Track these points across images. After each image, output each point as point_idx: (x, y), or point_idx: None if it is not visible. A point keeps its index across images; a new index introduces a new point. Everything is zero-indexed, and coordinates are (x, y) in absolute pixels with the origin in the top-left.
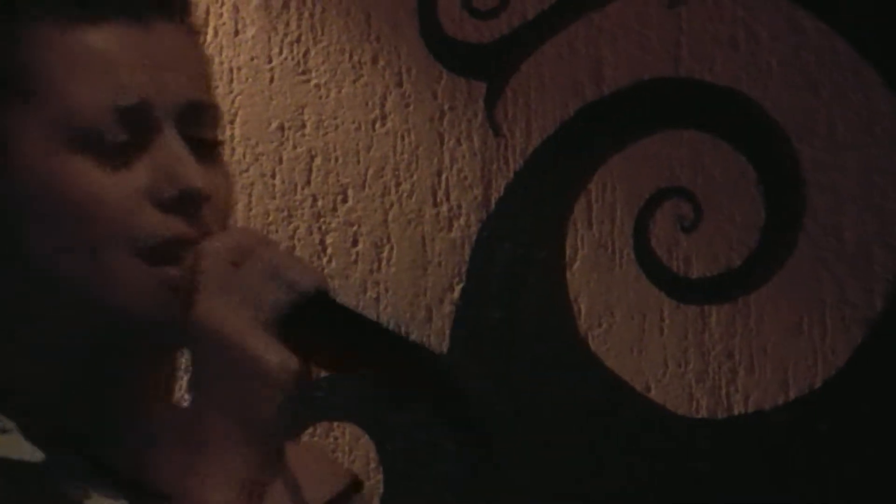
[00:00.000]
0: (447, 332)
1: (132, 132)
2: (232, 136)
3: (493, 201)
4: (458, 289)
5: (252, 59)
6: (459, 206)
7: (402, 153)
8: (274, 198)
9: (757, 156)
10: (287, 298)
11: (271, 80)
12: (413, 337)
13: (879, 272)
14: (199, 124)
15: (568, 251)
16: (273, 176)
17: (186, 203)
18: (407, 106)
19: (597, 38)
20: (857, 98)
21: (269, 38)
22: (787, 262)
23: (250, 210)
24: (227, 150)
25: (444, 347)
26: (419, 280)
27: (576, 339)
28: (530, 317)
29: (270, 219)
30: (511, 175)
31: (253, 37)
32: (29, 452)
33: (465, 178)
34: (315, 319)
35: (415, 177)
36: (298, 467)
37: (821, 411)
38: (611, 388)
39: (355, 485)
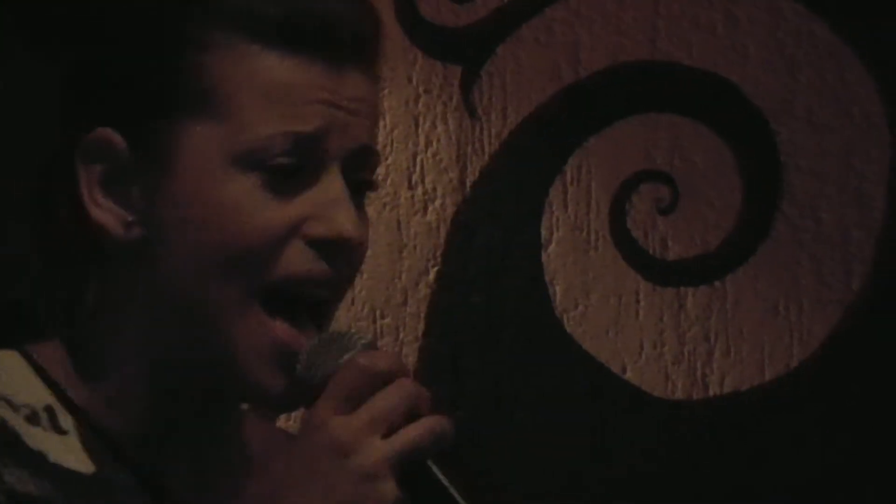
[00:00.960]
0: (422, 315)
1: (302, 160)
2: None
3: (468, 184)
4: (433, 272)
5: None
6: (435, 190)
7: (377, 136)
8: None
9: (734, 138)
10: (422, 447)
11: None
12: (388, 321)
13: (856, 254)
14: (363, 169)
15: (544, 233)
16: None
17: (336, 249)
18: (383, 89)
19: (573, 21)
20: (834, 80)
21: None
22: (764, 244)
23: None
24: None
25: (420, 330)
26: (395, 263)
27: (552, 321)
28: (506, 299)
29: None
30: (487, 158)
31: None
32: (83, 460)
33: (441, 161)
34: (429, 475)
35: (390, 160)
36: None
37: (797, 392)
38: (587, 370)
39: None
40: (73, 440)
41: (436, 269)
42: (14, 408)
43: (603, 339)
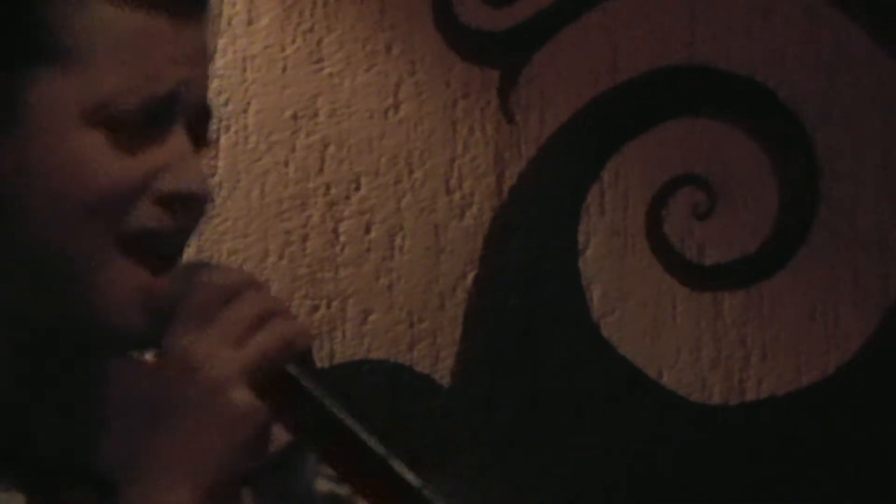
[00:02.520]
0: (460, 320)
1: (153, 121)
2: (245, 125)
3: (506, 189)
4: (470, 277)
5: (266, 47)
6: (472, 195)
7: (415, 141)
8: (287, 186)
9: (772, 143)
10: (274, 352)
11: (284, 68)
12: (425, 326)
13: (894, 259)
14: (205, 124)
15: (581, 238)
16: (286, 164)
17: (183, 204)
18: (420, 94)
19: (611, 26)
20: (872, 85)
21: (283, 27)
22: (801, 249)
23: (264, 199)
24: (240, 139)
25: (457, 335)
26: (432, 268)
27: (589, 326)
28: (543, 305)
29: (284, 207)
30: (524, 163)
31: (266, 26)
32: None
33: (479, 166)
34: (290, 380)
35: (428, 165)
36: None
37: (834, 398)
38: (624, 375)
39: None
40: None
41: (473, 273)
42: None
43: (640, 343)
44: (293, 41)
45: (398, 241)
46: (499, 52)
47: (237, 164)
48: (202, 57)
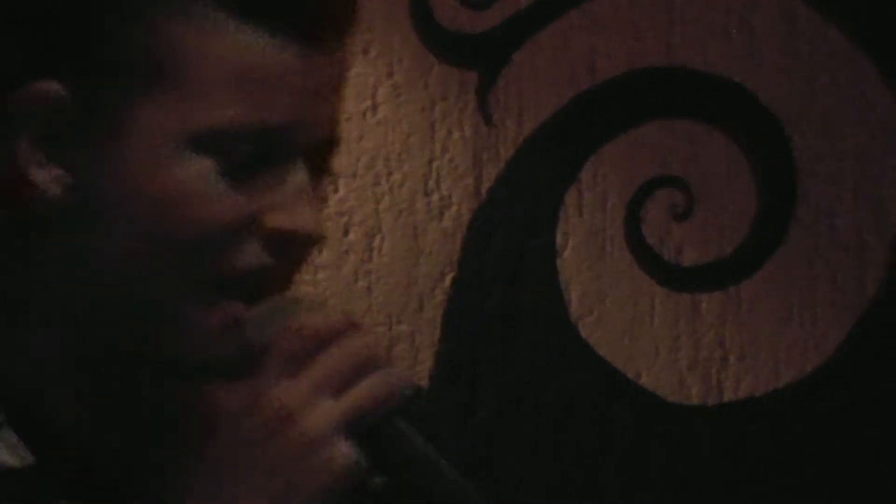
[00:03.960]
0: (438, 321)
1: (268, 155)
2: None
3: (484, 191)
4: (449, 278)
5: None
6: (451, 196)
7: (393, 143)
8: None
9: (750, 144)
10: (376, 404)
11: None
12: (404, 328)
13: (872, 260)
14: (327, 159)
15: (559, 239)
16: None
17: (293, 244)
18: (398, 96)
19: (589, 27)
20: (850, 86)
21: None
22: (779, 249)
23: None
24: None
25: (436, 337)
26: (411, 270)
27: (567, 327)
28: (522, 306)
29: None
30: (503, 164)
31: None
32: (16, 453)
33: (457, 167)
34: (391, 433)
35: (406, 167)
36: None
37: (812, 398)
38: (602, 376)
39: None
40: (6, 434)
41: (452, 275)
42: None
43: (618, 344)
44: None
45: (376, 242)
46: (477, 54)
47: None
48: (331, 91)
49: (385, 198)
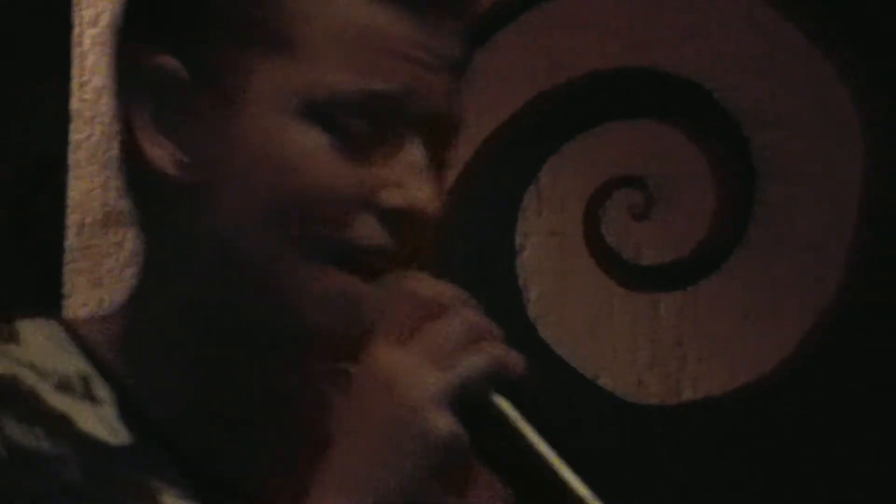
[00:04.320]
0: None
1: (377, 123)
2: None
3: (444, 190)
4: None
5: None
6: None
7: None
8: None
9: (709, 144)
10: (482, 377)
11: None
12: None
13: (830, 259)
14: (447, 138)
15: (518, 239)
16: None
17: (408, 222)
18: None
19: (550, 27)
20: (808, 86)
21: None
22: (738, 249)
23: None
24: None
25: None
26: None
27: (526, 326)
28: (481, 305)
29: None
30: (462, 164)
31: None
32: (115, 431)
33: None
34: (495, 410)
35: None
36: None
37: (770, 397)
38: (561, 376)
39: None
40: (107, 410)
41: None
42: (42, 374)
43: (577, 344)
44: None
45: None
46: None
47: None
48: (447, 65)
49: None
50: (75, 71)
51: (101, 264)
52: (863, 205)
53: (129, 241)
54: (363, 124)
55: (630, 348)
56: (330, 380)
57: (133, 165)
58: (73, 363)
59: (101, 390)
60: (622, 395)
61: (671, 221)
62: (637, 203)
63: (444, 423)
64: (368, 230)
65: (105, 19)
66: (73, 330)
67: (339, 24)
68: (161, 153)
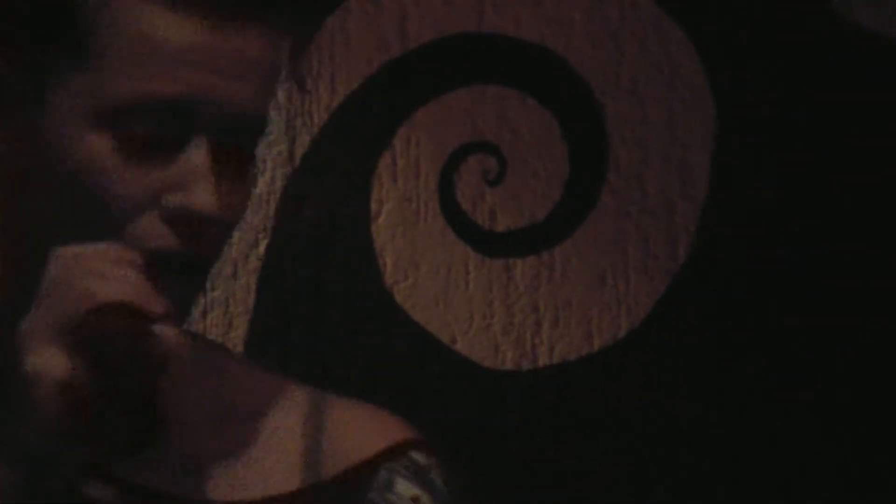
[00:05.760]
0: (253, 287)
1: (164, 128)
2: None
3: (297, 157)
4: (263, 244)
5: None
6: (264, 162)
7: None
8: None
9: (561, 110)
10: (76, 306)
11: None
12: (217, 294)
13: (681, 224)
14: (246, 138)
15: (373, 206)
16: None
17: (189, 224)
18: None
19: None
20: (659, 52)
21: None
22: (591, 214)
23: None
24: None
25: (250, 303)
26: None
27: (382, 292)
28: (336, 272)
29: None
30: (316, 130)
31: None
32: None
33: (270, 132)
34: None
35: None
36: (341, 420)
37: (624, 362)
38: (417, 341)
39: (414, 443)
40: None
41: (266, 241)
42: None
43: (432, 310)
44: None
45: None
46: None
47: None
48: (240, 70)
49: None
50: None
51: None
52: (714, 169)
53: None
54: (150, 129)
55: (485, 314)
56: None
57: None
58: None
59: None
60: (478, 361)
61: (525, 187)
62: (491, 168)
63: (31, 359)
64: (152, 233)
65: None
66: None
67: (131, 33)
68: None
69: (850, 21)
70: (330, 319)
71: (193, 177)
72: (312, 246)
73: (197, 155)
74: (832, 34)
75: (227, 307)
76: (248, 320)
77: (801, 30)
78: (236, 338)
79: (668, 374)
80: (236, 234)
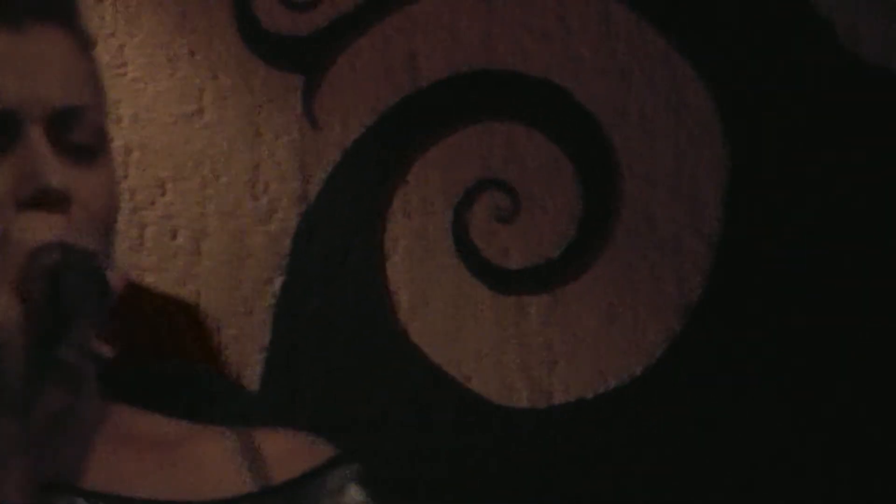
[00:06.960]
0: (268, 325)
1: (6, 129)
2: None
3: (311, 194)
4: (277, 282)
5: None
6: (278, 199)
7: (220, 146)
8: None
9: (571, 145)
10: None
11: None
12: (232, 331)
13: (691, 259)
14: (73, 128)
15: (387, 243)
16: None
17: (44, 201)
18: (224, 99)
19: (411, 30)
20: (667, 86)
21: None
22: (603, 251)
23: None
24: None
25: (265, 340)
26: (238, 273)
27: (395, 329)
28: (350, 309)
29: None
30: (329, 168)
31: None
32: None
33: (284, 171)
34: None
35: (233, 170)
36: (266, 443)
37: (639, 399)
38: (430, 379)
39: (335, 460)
40: None
41: (280, 279)
42: None
43: (445, 347)
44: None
45: (204, 246)
46: (302, 57)
47: None
48: (52, 62)
49: (212, 201)
50: None
51: None
52: (724, 203)
53: None
54: None
55: (499, 352)
56: None
57: None
58: None
59: None
60: (492, 399)
61: (538, 223)
62: (504, 206)
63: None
64: (18, 226)
65: None
66: None
67: None
68: None
69: (857, 54)
70: (342, 356)
71: (34, 161)
72: (326, 283)
73: (34, 143)
74: (840, 67)
75: (240, 345)
76: (264, 358)
77: (808, 63)
78: (251, 375)
79: (683, 411)
80: (249, 272)
